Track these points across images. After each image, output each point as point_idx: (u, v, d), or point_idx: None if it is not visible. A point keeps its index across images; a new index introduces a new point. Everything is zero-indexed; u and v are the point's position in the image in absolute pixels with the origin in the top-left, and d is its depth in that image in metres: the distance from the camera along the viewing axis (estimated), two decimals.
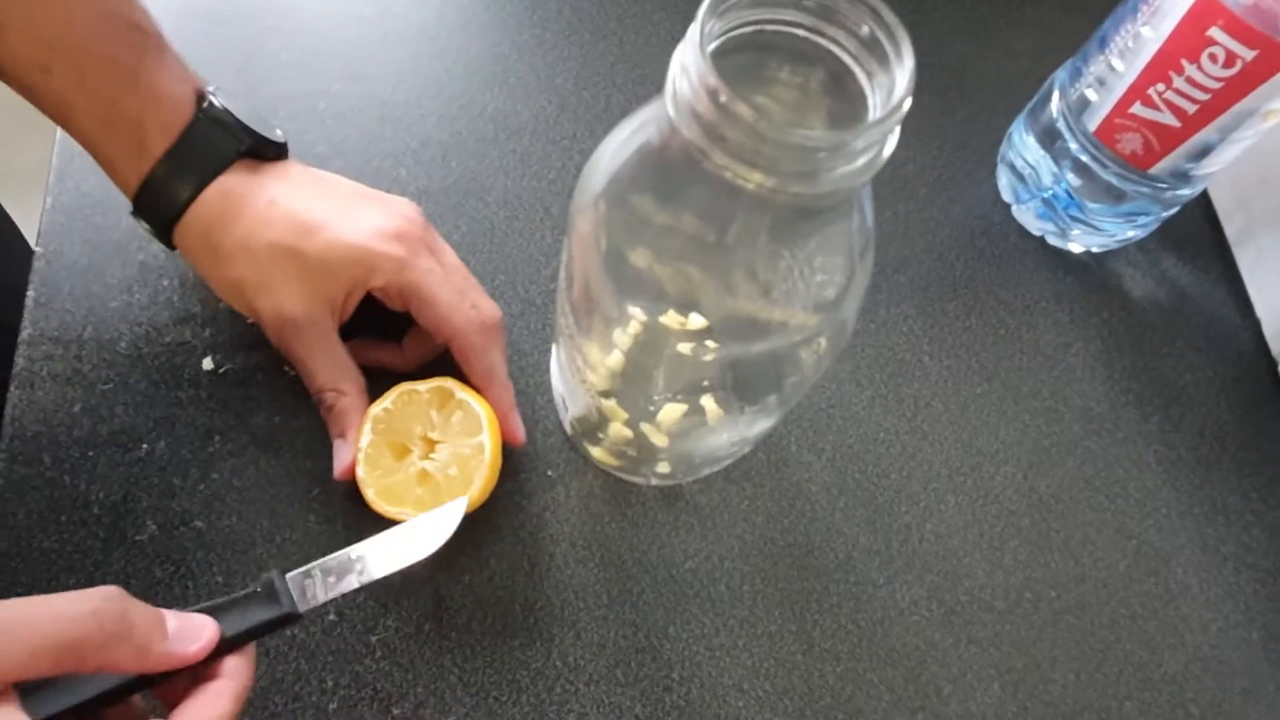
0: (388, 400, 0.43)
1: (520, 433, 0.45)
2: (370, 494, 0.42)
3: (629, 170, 0.34)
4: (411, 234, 0.43)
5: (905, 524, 0.49)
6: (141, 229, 0.44)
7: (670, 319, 0.37)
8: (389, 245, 0.42)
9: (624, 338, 0.37)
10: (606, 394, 0.40)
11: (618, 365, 0.38)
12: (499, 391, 0.44)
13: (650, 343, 0.36)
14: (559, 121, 0.58)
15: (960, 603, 0.48)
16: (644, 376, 0.39)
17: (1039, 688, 0.46)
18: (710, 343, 0.35)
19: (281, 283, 0.41)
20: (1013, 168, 0.58)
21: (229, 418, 0.47)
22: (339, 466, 0.43)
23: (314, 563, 0.36)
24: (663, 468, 0.46)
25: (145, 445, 0.46)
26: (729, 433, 0.46)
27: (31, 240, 0.50)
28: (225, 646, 0.33)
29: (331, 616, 0.43)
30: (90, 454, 0.45)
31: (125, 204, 0.50)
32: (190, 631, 0.31)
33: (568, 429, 0.47)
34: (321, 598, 0.36)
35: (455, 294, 0.43)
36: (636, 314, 0.36)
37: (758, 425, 0.45)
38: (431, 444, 0.43)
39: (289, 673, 0.42)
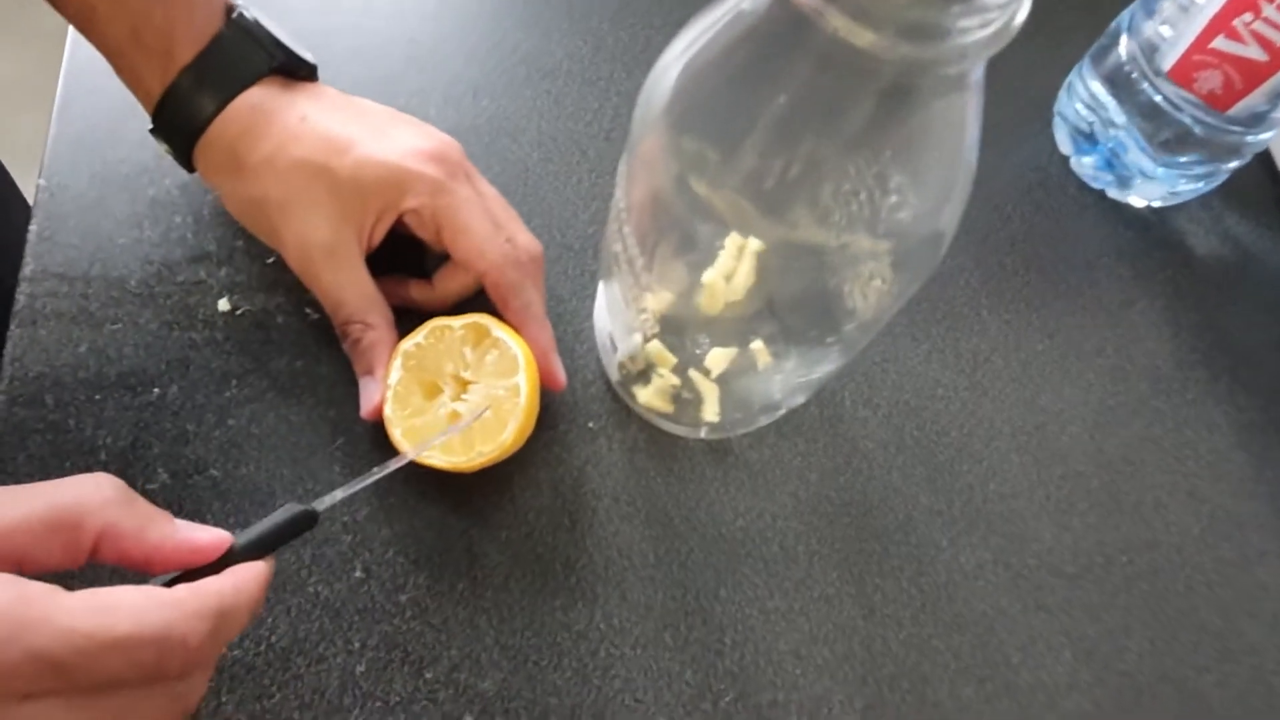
0: (419, 335, 0.40)
1: (560, 375, 0.42)
2: (397, 434, 0.39)
3: (705, 73, 0.31)
4: (449, 157, 0.40)
5: (968, 484, 0.46)
6: (160, 149, 0.41)
7: (734, 241, 0.34)
8: (425, 165, 0.39)
9: (700, 262, 0.34)
10: (660, 334, 0.37)
11: (682, 293, 0.34)
12: (537, 330, 0.41)
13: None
14: (594, 62, 0.55)
15: (1028, 566, 0.45)
16: (693, 317, 0.36)
17: (1113, 657, 0.43)
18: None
19: (308, 203, 0.38)
20: (1071, 118, 0.55)
21: (246, 361, 0.43)
22: (366, 405, 0.39)
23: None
24: (711, 415, 0.43)
25: (156, 389, 0.42)
26: (782, 378, 0.43)
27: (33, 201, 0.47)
28: (239, 557, 0.30)
29: (358, 573, 0.40)
30: (97, 397, 0.42)
31: (135, 135, 0.47)
32: (198, 527, 0.29)
33: (614, 374, 0.44)
34: (340, 495, 0.34)
35: (491, 224, 0.40)
36: (710, 235, 0.33)
37: (816, 371, 0.42)
38: (464, 384, 0.40)
39: (312, 632, 0.39)
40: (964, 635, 0.43)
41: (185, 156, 0.40)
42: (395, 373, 0.39)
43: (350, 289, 0.40)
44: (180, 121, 0.39)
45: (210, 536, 0.29)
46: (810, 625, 0.42)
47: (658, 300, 0.35)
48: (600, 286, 0.41)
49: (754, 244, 0.35)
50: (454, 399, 0.40)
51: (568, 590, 0.41)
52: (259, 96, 0.39)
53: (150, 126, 0.40)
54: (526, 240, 0.42)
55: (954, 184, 0.34)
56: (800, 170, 0.32)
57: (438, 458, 0.39)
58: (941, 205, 0.34)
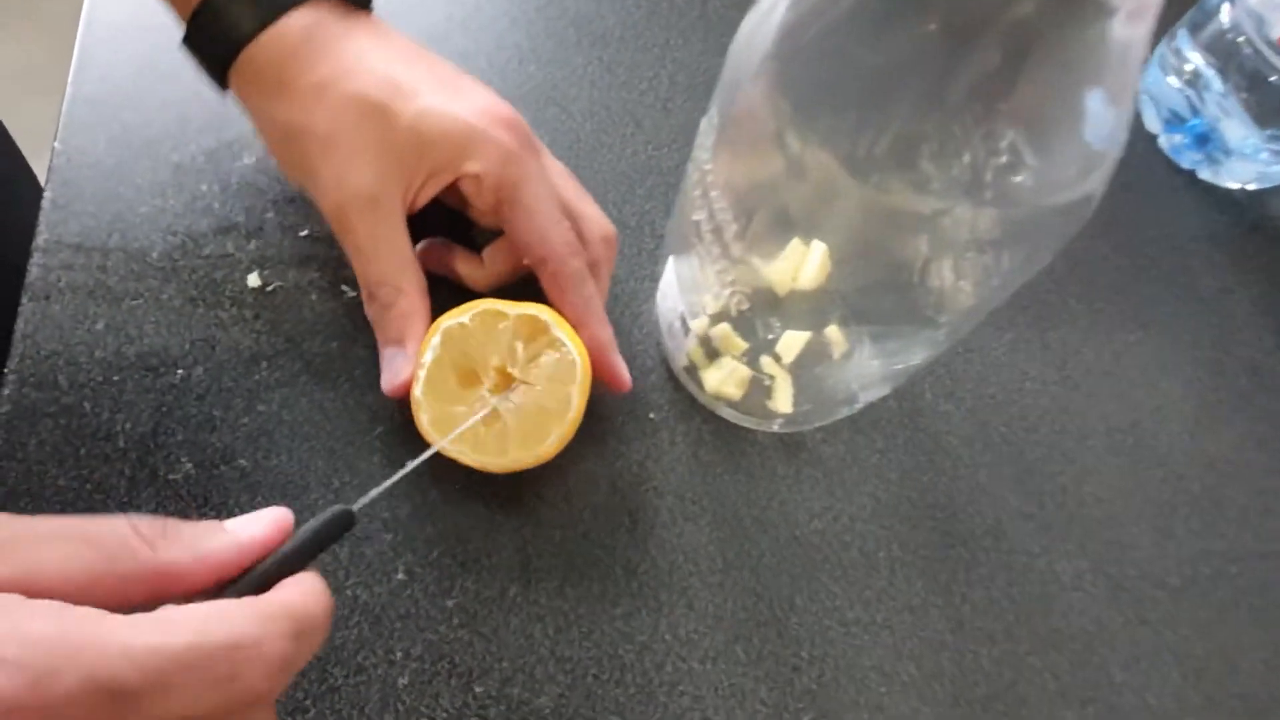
0: (464, 316, 0.36)
1: (625, 376, 0.38)
2: (424, 420, 0.35)
3: (807, 20, 0.27)
4: (521, 126, 0.36)
5: (1060, 485, 0.42)
6: (190, 61, 0.36)
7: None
8: (496, 129, 0.35)
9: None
10: (750, 310, 0.33)
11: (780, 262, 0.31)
12: (597, 328, 0.37)
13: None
14: (649, 28, 0.51)
15: (1128, 578, 0.41)
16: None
17: (1224, 677, 0.39)
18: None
19: (357, 145, 0.34)
20: (1161, 94, 0.51)
21: (278, 341, 0.40)
22: (391, 379, 0.36)
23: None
24: (783, 405, 0.39)
25: (180, 370, 0.38)
26: (860, 367, 0.39)
27: (42, 158, 0.43)
28: (276, 572, 0.26)
29: (400, 575, 0.36)
30: (115, 378, 0.38)
31: (158, 97, 0.44)
32: (252, 517, 0.25)
33: (680, 360, 0.40)
34: (375, 494, 0.31)
35: (558, 207, 0.36)
36: (808, 199, 0.30)
37: (899, 362, 0.38)
38: (508, 379, 0.36)
39: (350, 640, 0.35)
40: (1062, 652, 0.39)
41: (219, 73, 0.36)
42: (431, 351, 0.35)
43: (386, 247, 0.35)
44: (218, 33, 0.34)
45: (269, 522, 0.25)
46: (895, 639, 0.38)
47: (749, 272, 0.32)
48: (669, 264, 0.38)
49: (840, 212, 0.31)
50: (494, 392, 0.36)
51: (629, 597, 0.37)
52: (313, 18, 0.35)
53: (183, 36, 0.36)
54: (598, 221, 0.38)
55: (1087, 147, 0.30)
56: (903, 128, 0.29)
57: (468, 454, 0.35)
58: (1074, 170, 0.30)
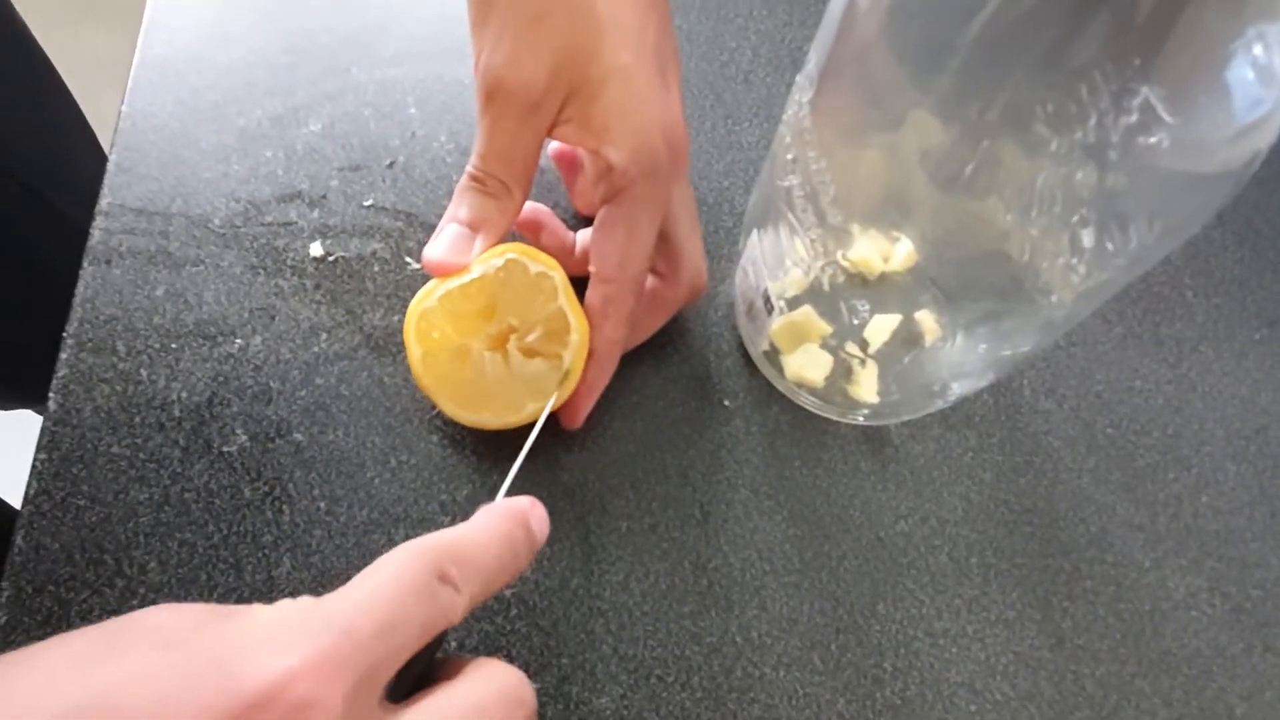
0: (499, 259, 0.33)
1: (580, 417, 0.36)
2: (411, 331, 0.33)
3: None
4: (680, 149, 0.33)
5: (1174, 494, 0.38)
6: None
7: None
8: (658, 141, 0.31)
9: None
10: (844, 284, 0.31)
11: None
12: (600, 369, 0.35)
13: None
14: None
15: (1250, 598, 0.37)
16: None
17: None
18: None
19: (553, 46, 0.31)
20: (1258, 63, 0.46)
21: (338, 313, 0.38)
22: (438, 250, 0.33)
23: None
24: (868, 395, 0.36)
25: (239, 340, 0.37)
26: (953, 356, 0.36)
27: (106, 139, 0.42)
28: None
29: None
30: (173, 346, 0.37)
31: (224, 60, 0.43)
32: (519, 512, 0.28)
33: (760, 344, 0.37)
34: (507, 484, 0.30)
35: (648, 242, 0.33)
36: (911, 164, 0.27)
37: (997, 351, 0.35)
38: (505, 338, 0.34)
39: None
40: (1174, 677, 0.35)
41: None
42: (469, 274, 0.33)
43: (521, 152, 0.33)
44: None
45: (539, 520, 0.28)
46: (987, 654, 0.35)
47: (845, 241, 0.29)
48: (753, 239, 0.35)
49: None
50: (492, 347, 0.33)
51: (698, 595, 0.35)
52: None
53: None
54: (695, 265, 0.36)
55: (1238, 108, 0.27)
56: (1021, 84, 0.26)
57: (446, 401, 0.34)
58: (1221, 132, 0.27)
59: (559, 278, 0.33)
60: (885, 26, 0.25)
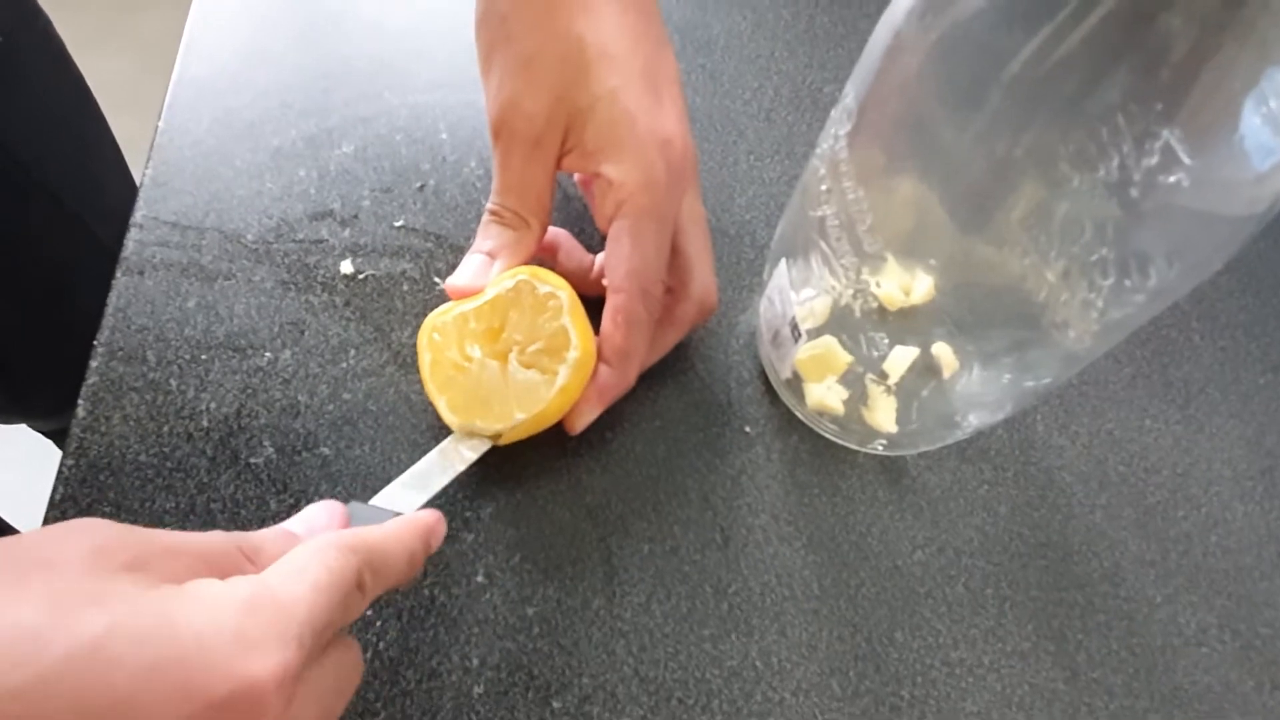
0: (509, 280, 0.34)
1: (581, 425, 0.36)
2: (423, 340, 0.35)
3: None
4: (684, 162, 0.34)
5: (1184, 532, 0.39)
6: None
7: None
8: (656, 153, 0.33)
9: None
10: (878, 312, 0.31)
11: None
12: (613, 382, 0.35)
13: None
14: (754, 39, 0.50)
15: (1260, 637, 0.37)
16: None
17: None
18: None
19: (547, 83, 0.33)
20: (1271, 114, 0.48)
21: (367, 330, 0.39)
22: (460, 276, 0.35)
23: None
24: (887, 424, 0.37)
25: (268, 353, 0.37)
26: (970, 389, 0.37)
27: (138, 175, 0.43)
28: None
29: (480, 578, 0.34)
30: (203, 357, 0.37)
31: (261, 82, 0.44)
32: (321, 524, 0.28)
33: (783, 372, 0.38)
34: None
35: (656, 253, 0.35)
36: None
37: (1015, 385, 0.36)
38: (506, 351, 0.34)
39: (425, 642, 0.33)
40: (1187, 713, 0.35)
41: None
42: (493, 290, 0.34)
43: (533, 187, 0.35)
44: None
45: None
46: (1002, 685, 0.35)
47: (881, 269, 0.30)
48: (780, 268, 0.36)
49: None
50: (494, 357, 0.34)
51: (718, 618, 0.35)
52: None
53: None
54: (705, 284, 0.37)
55: (1259, 152, 0.28)
56: (1047, 122, 0.27)
57: (442, 405, 0.35)
58: (1241, 174, 0.28)
59: (566, 296, 0.34)
60: (926, 64, 0.26)
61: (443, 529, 0.30)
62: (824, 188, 0.30)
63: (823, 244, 0.31)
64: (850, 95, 0.29)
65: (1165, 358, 0.43)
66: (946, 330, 0.37)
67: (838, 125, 0.29)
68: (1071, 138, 0.27)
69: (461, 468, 0.34)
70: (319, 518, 0.28)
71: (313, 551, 0.24)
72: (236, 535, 0.25)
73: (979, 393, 0.37)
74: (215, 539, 0.24)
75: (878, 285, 0.30)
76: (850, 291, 0.31)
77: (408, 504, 0.32)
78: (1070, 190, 0.28)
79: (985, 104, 0.27)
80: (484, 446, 0.34)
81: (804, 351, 0.35)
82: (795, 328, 0.34)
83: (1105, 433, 0.41)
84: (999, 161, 0.28)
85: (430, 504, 0.32)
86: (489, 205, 0.36)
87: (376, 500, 0.32)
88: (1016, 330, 0.34)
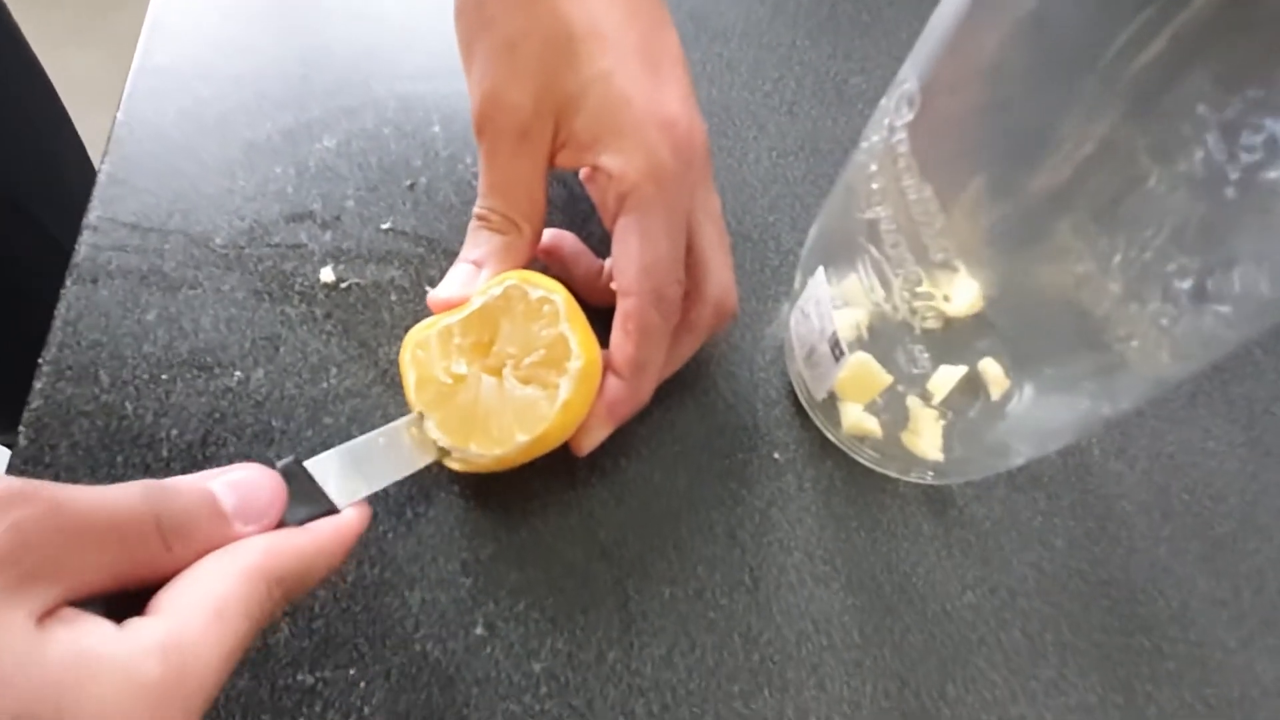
0: (497, 288, 0.31)
1: (588, 446, 0.32)
2: (406, 356, 0.31)
3: None
4: (692, 146, 0.30)
5: (1256, 566, 0.35)
6: None
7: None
8: (659, 136, 0.29)
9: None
10: (941, 330, 0.28)
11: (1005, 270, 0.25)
12: (628, 394, 0.31)
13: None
14: (773, 26, 0.46)
15: None
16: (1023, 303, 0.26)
17: None
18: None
19: (530, 68, 0.30)
20: None
21: (351, 346, 0.34)
22: (445, 289, 0.32)
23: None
24: (931, 451, 0.33)
25: (238, 372, 0.33)
26: (1024, 413, 0.33)
27: (97, 160, 0.38)
28: None
29: (479, 630, 0.30)
30: (164, 377, 0.33)
31: (232, 70, 0.39)
32: (256, 504, 0.23)
33: (818, 392, 0.34)
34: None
35: (671, 251, 0.31)
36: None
37: (1070, 412, 0.32)
38: (500, 365, 0.30)
39: (417, 705, 0.29)
40: None
41: None
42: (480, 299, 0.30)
43: (521, 184, 0.32)
44: None
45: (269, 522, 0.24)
46: None
47: (951, 279, 0.26)
48: (817, 279, 0.32)
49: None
50: (489, 372, 0.30)
51: (749, 672, 0.31)
52: None
53: None
54: (722, 284, 0.33)
55: None
56: (1128, 109, 0.24)
57: (434, 430, 0.30)
58: None
59: (562, 300, 0.30)
60: (1009, 42, 0.22)
61: (368, 524, 0.26)
62: (875, 186, 0.27)
63: (873, 250, 0.27)
64: (910, 80, 0.25)
65: (1225, 374, 0.40)
66: (992, 344, 0.34)
67: (894, 115, 0.25)
68: (1167, 125, 0.24)
69: (422, 464, 0.30)
70: (257, 499, 0.24)
71: (239, 589, 0.21)
72: (155, 499, 0.21)
73: (1033, 417, 0.33)
74: (132, 506, 0.20)
75: (946, 299, 0.26)
76: (907, 305, 0.27)
77: (347, 491, 0.27)
78: (1157, 186, 0.25)
79: (1083, 83, 0.23)
80: (433, 454, 0.31)
81: (849, 370, 0.31)
82: (836, 345, 0.30)
83: (1165, 456, 0.37)
84: (1083, 152, 0.24)
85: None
86: (475, 209, 0.33)
87: (321, 462, 0.27)
88: (1074, 346, 0.31)
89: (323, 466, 0.27)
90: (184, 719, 0.18)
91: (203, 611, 0.20)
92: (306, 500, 0.26)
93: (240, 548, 0.22)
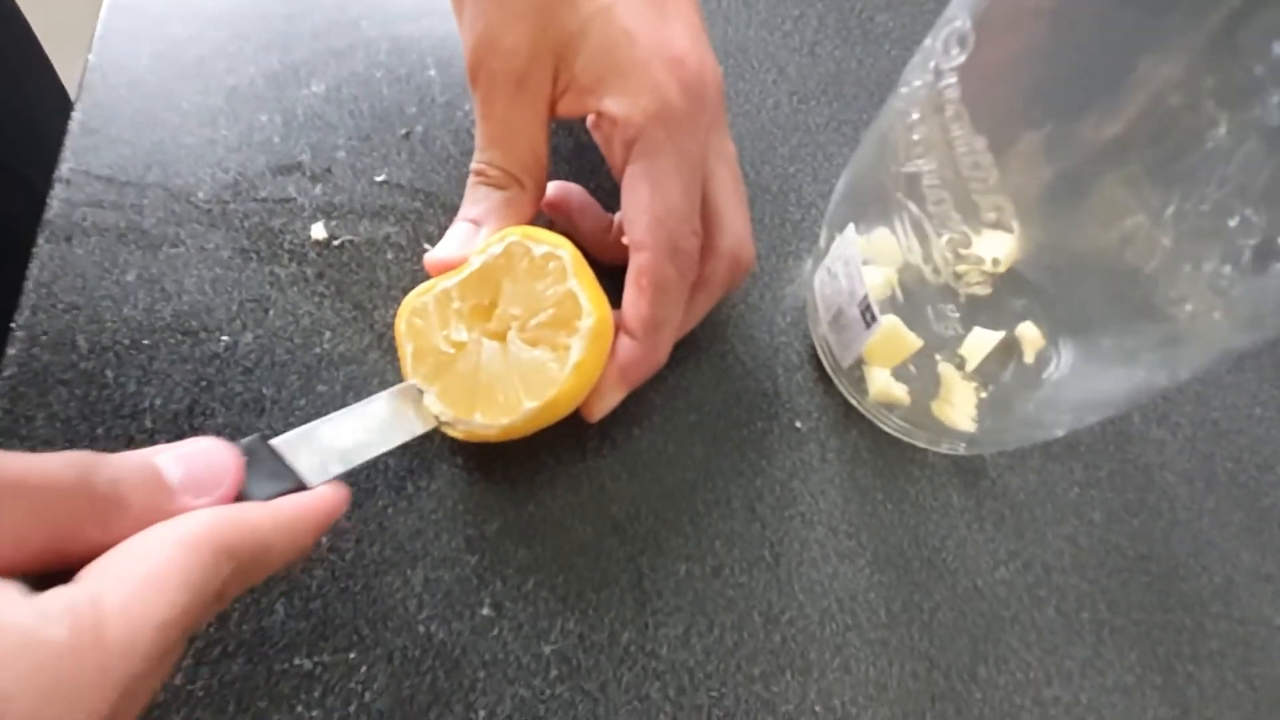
0: (498, 246, 0.28)
1: (601, 412, 0.30)
2: (402, 327, 0.29)
3: None
4: (705, 90, 0.28)
5: None
6: None
7: None
8: (665, 75, 0.27)
9: None
10: (991, 293, 0.25)
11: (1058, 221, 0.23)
12: (643, 354, 0.29)
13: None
14: None
15: None
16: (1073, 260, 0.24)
17: None
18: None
19: (524, 8, 0.27)
20: None
21: (344, 308, 0.32)
22: (441, 249, 0.30)
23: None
24: (963, 422, 0.31)
25: (225, 337, 0.31)
26: (1065, 382, 0.31)
27: (73, 90, 0.36)
28: None
29: (486, 610, 0.29)
30: (146, 343, 0.31)
31: (212, 7, 0.36)
32: (206, 476, 0.21)
33: (845, 358, 0.32)
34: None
35: (688, 199, 0.28)
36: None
37: (1118, 382, 0.30)
38: (504, 328, 0.28)
39: (421, 690, 0.27)
40: None
41: None
42: (470, 266, 0.28)
43: (520, 134, 0.29)
44: None
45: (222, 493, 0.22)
46: None
47: (999, 241, 0.23)
48: (846, 236, 0.29)
49: None
50: (492, 337, 0.28)
51: (769, 653, 0.29)
52: None
53: None
54: (738, 236, 0.30)
55: None
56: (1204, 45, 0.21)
57: (434, 402, 0.29)
58: None
59: (568, 255, 0.28)
60: None
61: (346, 505, 0.24)
62: (916, 137, 0.24)
63: (912, 206, 0.25)
64: (961, 17, 0.22)
65: None
66: (1029, 305, 0.31)
67: (941, 57, 0.23)
68: (1240, 66, 0.21)
69: (403, 439, 0.28)
70: (207, 471, 0.22)
71: (177, 557, 0.18)
72: (88, 467, 0.19)
73: (1073, 387, 0.31)
74: (61, 474, 0.19)
75: (995, 263, 0.24)
76: (950, 269, 0.25)
77: (319, 469, 0.25)
78: (1224, 134, 0.22)
79: (1162, 18, 0.21)
80: (434, 419, 0.29)
81: (880, 334, 0.29)
82: (868, 310, 0.28)
83: (1210, 423, 0.35)
84: (1149, 96, 0.22)
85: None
86: (473, 164, 0.31)
87: (288, 439, 0.25)
88: (1121, 309, 0.29)
89: (291, 444, 0.25)
90: (103, 689, 0.16)
91: (129, 578, 0.18)
92: (272, 476, 0.24)
93: (184, 518, 0.20)
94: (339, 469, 0.26)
